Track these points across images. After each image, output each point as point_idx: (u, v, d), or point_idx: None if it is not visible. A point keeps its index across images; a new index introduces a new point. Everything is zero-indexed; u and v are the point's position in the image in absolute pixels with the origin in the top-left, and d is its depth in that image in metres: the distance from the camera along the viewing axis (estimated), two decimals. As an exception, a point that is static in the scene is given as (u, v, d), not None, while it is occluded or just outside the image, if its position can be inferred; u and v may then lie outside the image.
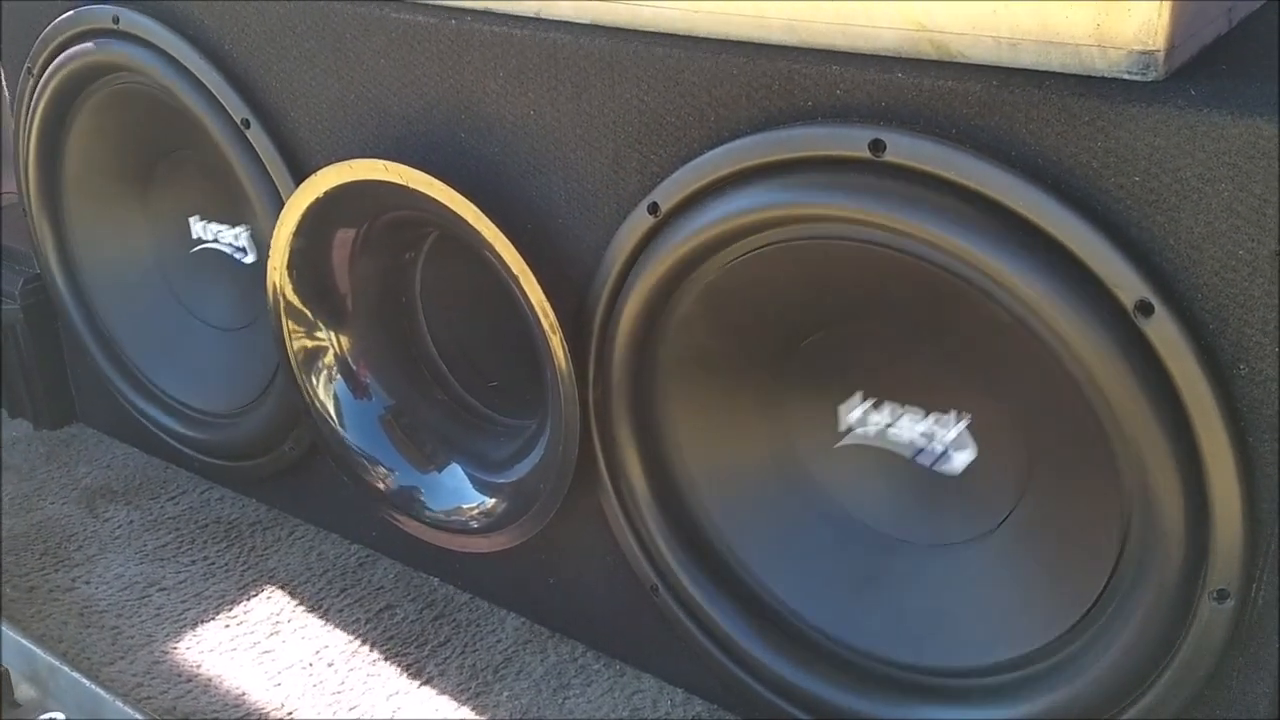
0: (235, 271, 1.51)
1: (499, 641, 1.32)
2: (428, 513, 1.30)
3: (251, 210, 1.35)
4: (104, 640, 1.32)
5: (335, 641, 1.33)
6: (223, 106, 1.31)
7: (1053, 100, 0.83)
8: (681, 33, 1.02)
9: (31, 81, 1.50)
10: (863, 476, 1.09)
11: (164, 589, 1.41)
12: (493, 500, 1.27)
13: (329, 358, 1.32)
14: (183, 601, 1.39)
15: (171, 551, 1.48)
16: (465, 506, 1.29)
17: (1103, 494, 0.92)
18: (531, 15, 1.09)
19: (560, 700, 1.23)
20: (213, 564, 1.46)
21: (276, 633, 1.34)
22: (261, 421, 1.47)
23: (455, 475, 1.30)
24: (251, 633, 1.34)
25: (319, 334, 1.31)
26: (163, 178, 1.55)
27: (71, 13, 1.43)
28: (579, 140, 1.07)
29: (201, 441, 1.57)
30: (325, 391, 1.33)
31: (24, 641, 1.25)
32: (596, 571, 1.24)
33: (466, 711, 1.22)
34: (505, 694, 1.24)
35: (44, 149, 1.54)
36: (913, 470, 1.05)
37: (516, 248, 1.07)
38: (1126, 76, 0.83)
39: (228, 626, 1.35)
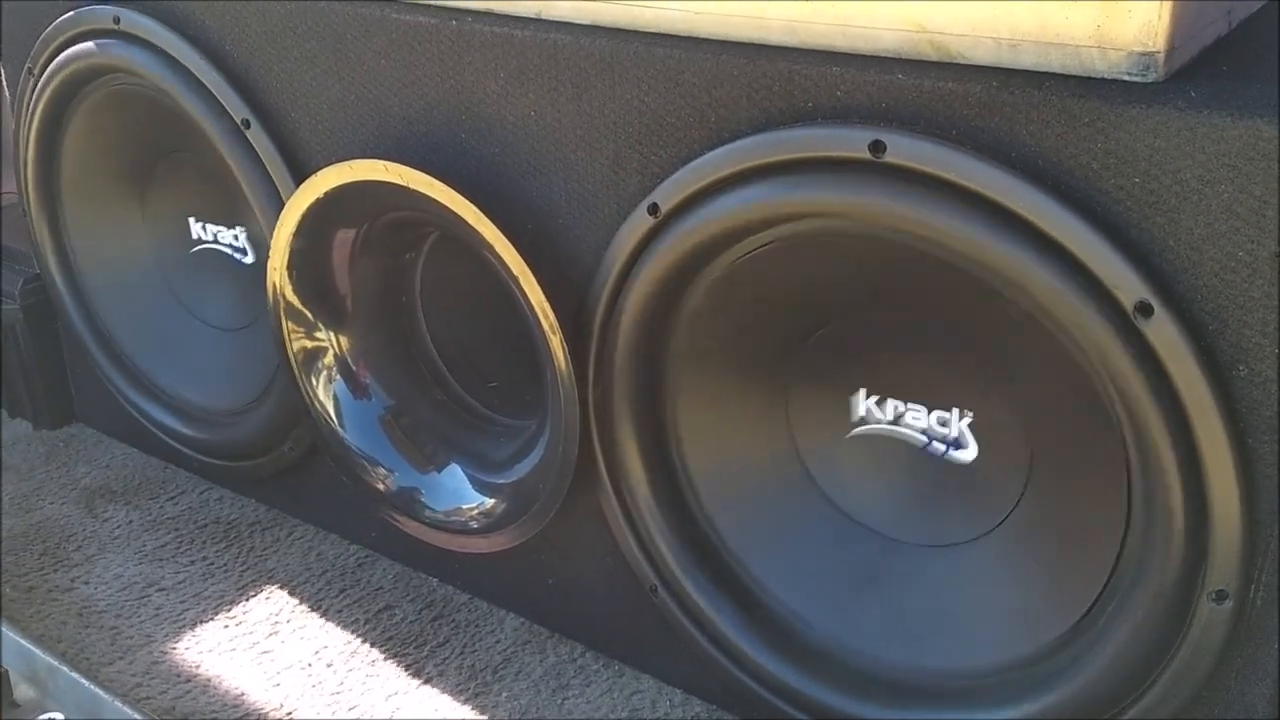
0: (235, 272, 1.51)
1: (498, 642, 1.32)
2: (427, 513, 1.30)
3: (251, 211, 1.35)
4: (103, 640, 1.32)
5: (334, 642, 1.33)
6: (223, 107, 1.31)
7: (1053, 101, 0.83)
8: (682, 34, 1.02)
9: (32, 81, 1.50)
10: (864, 474, 1.09)
11: (163, 589, 1.41)
12: (492, 501, 1.27)
13: (329, 358, 1.32)
14: (182, 602, 1.39)
15: (171, 552, 1.48)
16: (465, 507, 1.29)
17: (1102, 494, 0.92)
18: (532, 16, 1.10)
19: (559, 701, 1.23)
20: (212, 564, 1.46)
21: (275, 633, 1.34)
22: (261, 422, 1.47)
23: (455, 475, 1.30)
24: (250, 633, 1.34)
25: (319, 334, 1.31)
26: (163, 178, 1.55)
27: (72, 13, 1.43)
28: (579, 141, 1.07)
29: (201, 442, 1.56)
30: (325, 392, 1.33)
31: (23, 642, 1.25)
32: (596, 572, 1.24)
33: (466, 712, 1.22)
34: (504, 694, 1.24)
35: (44, 149, 1.54)
36: (917, 465, 1.05)
37: (517, 248, 1.07)
38: (1126, 78, 0.83)
39: (227, 627, 1.35)
